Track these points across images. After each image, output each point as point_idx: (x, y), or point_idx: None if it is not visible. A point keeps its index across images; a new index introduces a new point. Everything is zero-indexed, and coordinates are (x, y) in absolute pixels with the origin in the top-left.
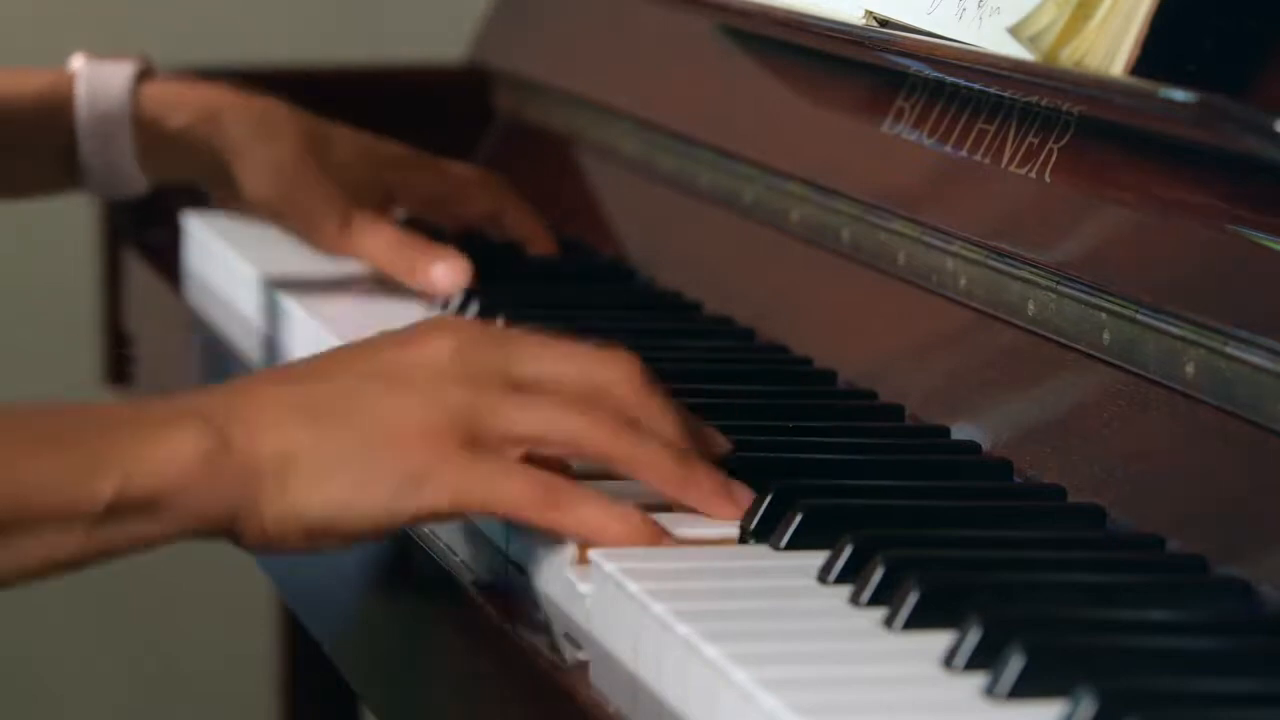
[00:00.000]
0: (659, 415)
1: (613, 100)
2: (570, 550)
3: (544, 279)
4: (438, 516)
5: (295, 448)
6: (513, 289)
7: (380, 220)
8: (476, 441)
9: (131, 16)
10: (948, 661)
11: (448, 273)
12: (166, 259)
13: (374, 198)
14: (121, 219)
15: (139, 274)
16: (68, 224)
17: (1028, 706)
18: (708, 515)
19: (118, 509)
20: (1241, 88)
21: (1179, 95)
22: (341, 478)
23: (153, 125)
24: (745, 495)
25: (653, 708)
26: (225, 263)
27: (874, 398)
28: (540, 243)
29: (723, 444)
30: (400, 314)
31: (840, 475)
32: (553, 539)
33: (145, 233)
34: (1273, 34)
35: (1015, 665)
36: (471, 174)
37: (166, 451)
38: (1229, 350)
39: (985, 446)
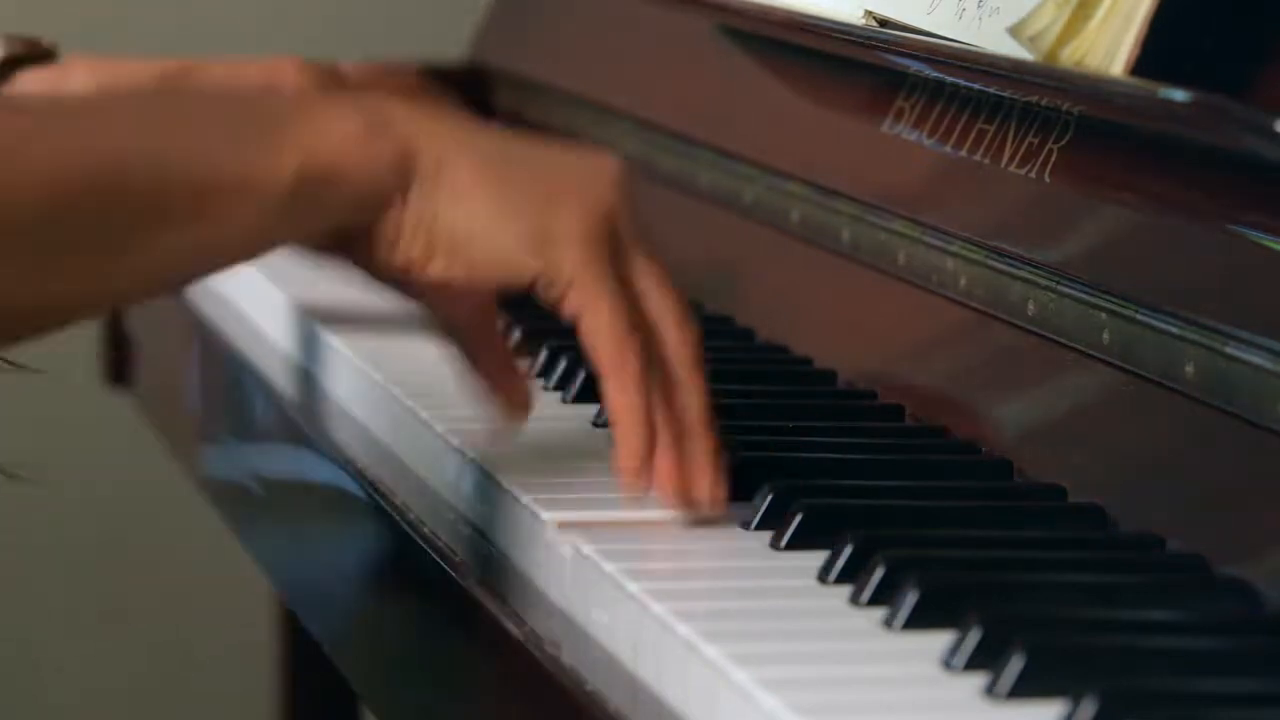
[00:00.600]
0: (689, 386)
1: (613, 100)
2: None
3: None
4: (540, 290)
5: (456, 159)
6: (511, 289)
7: None
8: (608, 255)
9: (131, 16)
10: (948, 661)
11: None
12: None
13: None
14: None
15: None
16: None
17: (1028, 706)
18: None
19: (300, 186)
20: (1241, 88)
21: (1179, 95)
22: (488, 202)
23: None
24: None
25: (652, 708)
26: None
27: (874, 398)
28: None
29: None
30: None
31: (840, 475)
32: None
33: None
34: (1273, 34)
35: (1015, 665)
36: None
37: (337, 128)
38: (1229, 350)
39: (985, 446)
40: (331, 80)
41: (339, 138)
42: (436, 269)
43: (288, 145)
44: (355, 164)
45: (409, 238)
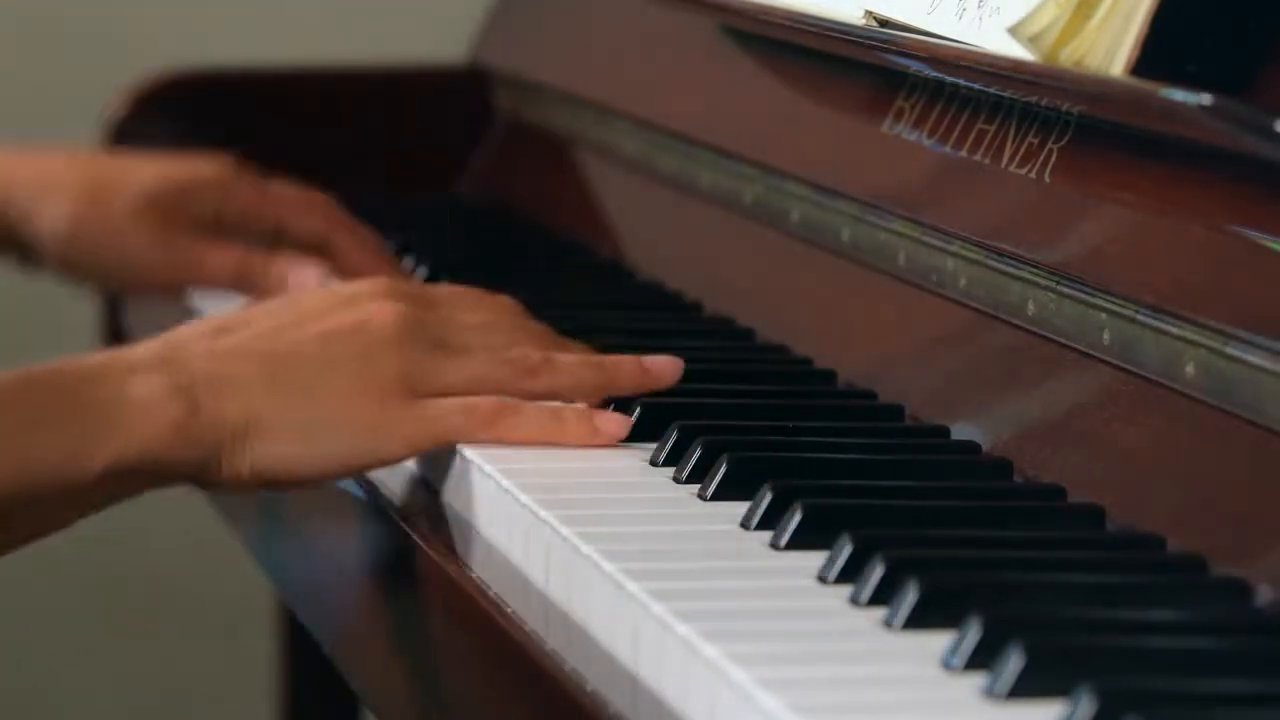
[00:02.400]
0: (567, 359)
1: (613, 100)
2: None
3: (543, 279)
4: (395, 460)
5: (258, 412)
6: (511, 289)
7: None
8: (419, 394)
9: (131, 17)
10: (948, 661)
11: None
12: None
13: (188, 224)
14: None
15: None
16: None
17: (1028, 706)
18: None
19: (107, 479)
20: (1241, 88)
21: (1179, 95)
22: (301, 436)
23: None
24: (614, 424)
25: (652, 708)
26: None
27: (874, 398)
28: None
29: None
30: None
31: (840, 475)
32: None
33: None
34: (1273, 34)
35: (1015, 665)
36: (295, 195)
37: (150, 423)
38: (1229, 350)
39: (985, 446)
40: (103, 185)
41: (150, 432)
42: (281, 490)
43: (104, 442)
44: (166, 453)
45: (238, 488)
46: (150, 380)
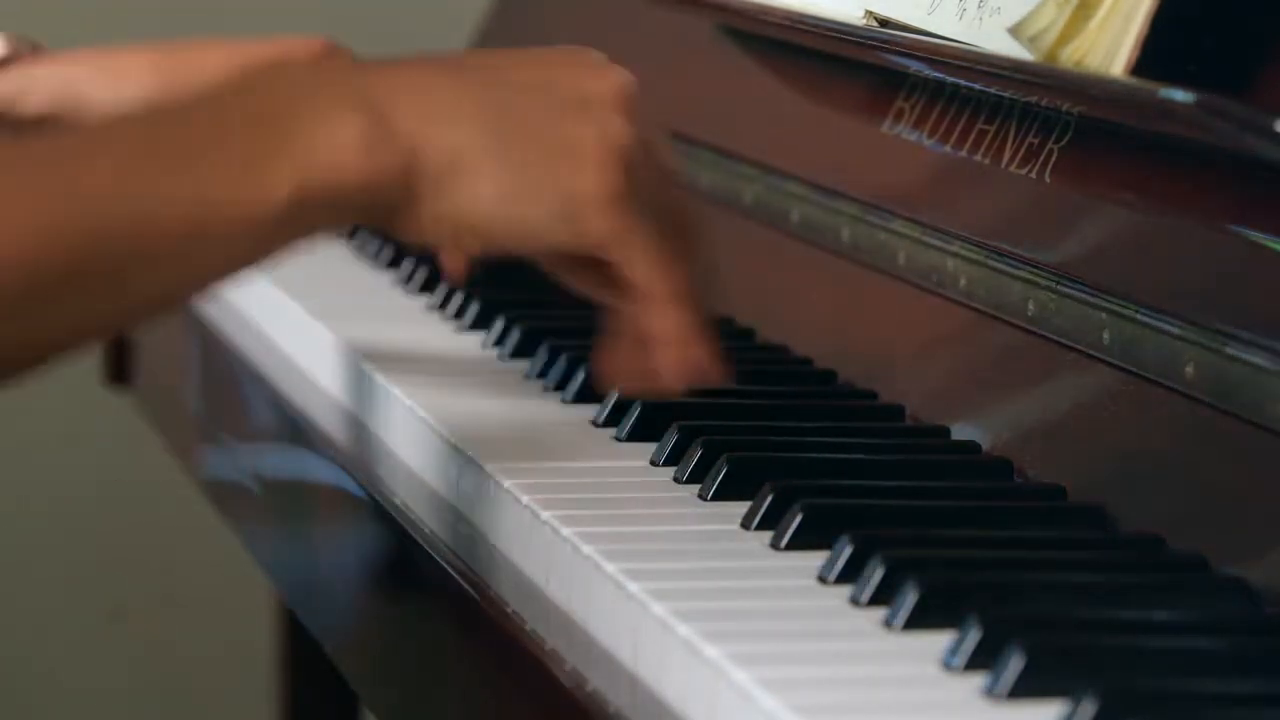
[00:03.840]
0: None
1: None
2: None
3: (543, 279)
4: (578, 247)
5: (464, 148)
6: (512, 289)
7: None
8: (632, 198)
9: (130, 15)
10: (948, 661)
11: None
12: None
13: None
14: None
15: None
16: None
17: (1028, 706)
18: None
19: (296, 207)
20: (1241, 88)
21: (1179, 95)
22: (510, 185)
23: (8, 120)
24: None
25: (653, 708)
26: None
27: (874, 398)
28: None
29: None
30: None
31: (840, 475)
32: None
33: None
34: (1273, 34)
35: (1015, 665)
36: None
37: (336, 140)
38: (1229, 350)
39: (985, 446)
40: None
41: (336, 151)
42: (469, 249)
43: (280, 167)
44: (355, 179)
45: (431, 232)
46: (336, 97)
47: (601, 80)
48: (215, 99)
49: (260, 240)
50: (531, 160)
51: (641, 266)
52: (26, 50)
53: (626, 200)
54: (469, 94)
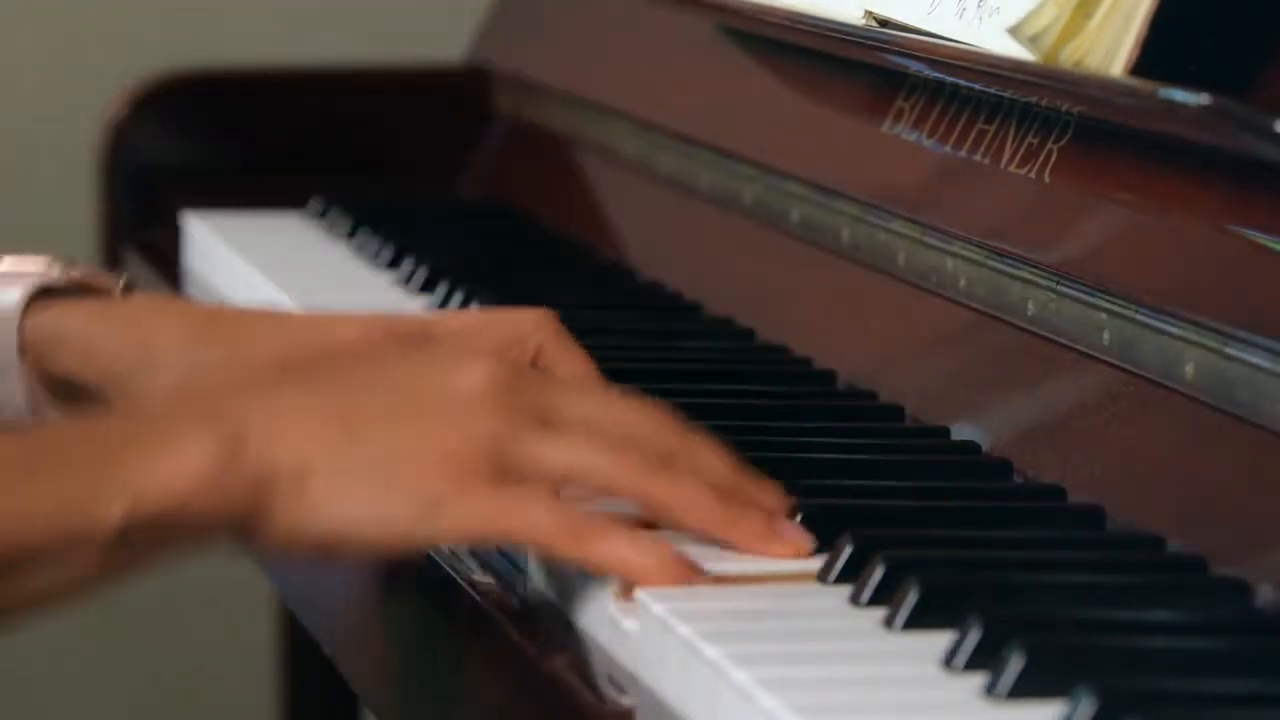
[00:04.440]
0: (699, 454)
1: (613, 100)
2: (612, 586)
3: (543, 279)
4: (445, 542)
5: (314, 458)
6: (512, 289)
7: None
8: (503, 473)
9: (131, 17)
10: (948, 661)
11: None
12: (166, 259)
13: None
14: (121, 219)
15: (139, 274)
16: (67, 223)
17: (1028, 706)
18: (757, 555)
19: (128, 531)
20: (1241, 88)
21: (1179, 95)
22: (359, 494)
23: (41, 369)
24: (796, 534)
25: (652, 707)
26: (228, 265)
27: (874, 398)
28: None
29: (773, 496)
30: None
31: (840, 475)
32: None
33: (145, 233)
34: (1273, 34)
35: (1015, 665)
36: None
37: (178, 465)
38: (1229, 350)
39: (985, 446)
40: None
41: (180, 475)
42: (334, 558)
43: (114, 490)
44: (199, 503)
45: (289, 545)
46: (181, 421)
47: (468, 375)
48: (61, 425)
49: (94, 562)
50: (380, 462)
51: (531, 534)
52: (67, 277)
53: (489, 484)
54: (323, 405)
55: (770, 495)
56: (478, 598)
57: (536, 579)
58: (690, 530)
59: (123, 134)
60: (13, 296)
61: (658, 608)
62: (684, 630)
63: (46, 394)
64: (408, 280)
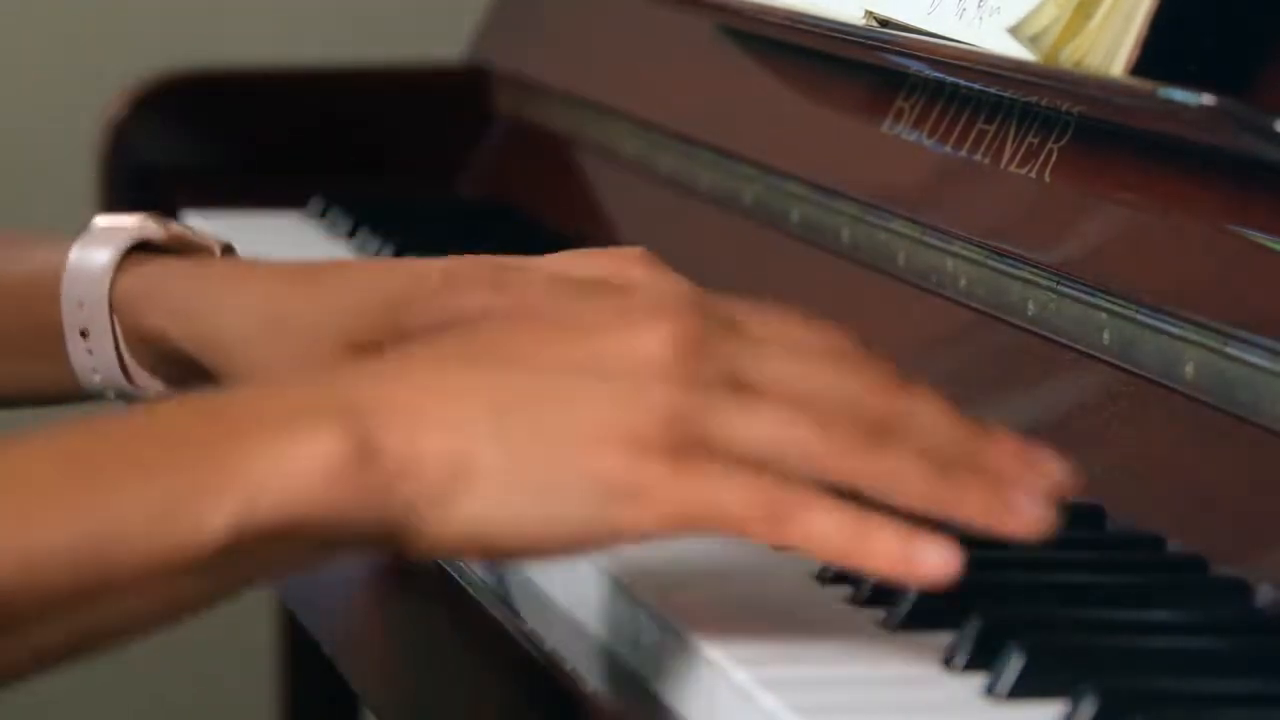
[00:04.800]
0: (918, 414)
1: (613, 100)
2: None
3: None
4: (645, 537)
5: (469, 452)
6: None
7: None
8: (690, 452)
9: (131, 17)
10: (948, 661)
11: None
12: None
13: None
14: None
15: None
16: (68, 224)
17: (1028, 706)
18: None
19: (239, 545)
20: (1241, 88)
21: (1179, 95)
22: (529, 491)
23: (131, 327)
24: (1030, 504)
25: (651, 707)
26: None
27: None
28: None
29: (1009, 451)
30: None
31: None
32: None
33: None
34: (1273, 34)
35: (1015, 665)
36: None
37: (297, 463)
38: (1229, 350)
39: None
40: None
41: (301, 475)
42: (503, 564)
43: (221, 493)
44: (326, 510)
45: (446, 553)
46: (301, 408)
47: (648, 335)
48: (155, 415)
49: (196, 583)
50: (547, 450)
51: (729, 520)
52: (163, 235)
53: (675, 466)
54: (477, 386)
55: (1005, 451)
56: (477, 596)
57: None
58: (908, 511)
59: (123, 134)
60: (105, 253)
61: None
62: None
63: (142, 356)
64: None
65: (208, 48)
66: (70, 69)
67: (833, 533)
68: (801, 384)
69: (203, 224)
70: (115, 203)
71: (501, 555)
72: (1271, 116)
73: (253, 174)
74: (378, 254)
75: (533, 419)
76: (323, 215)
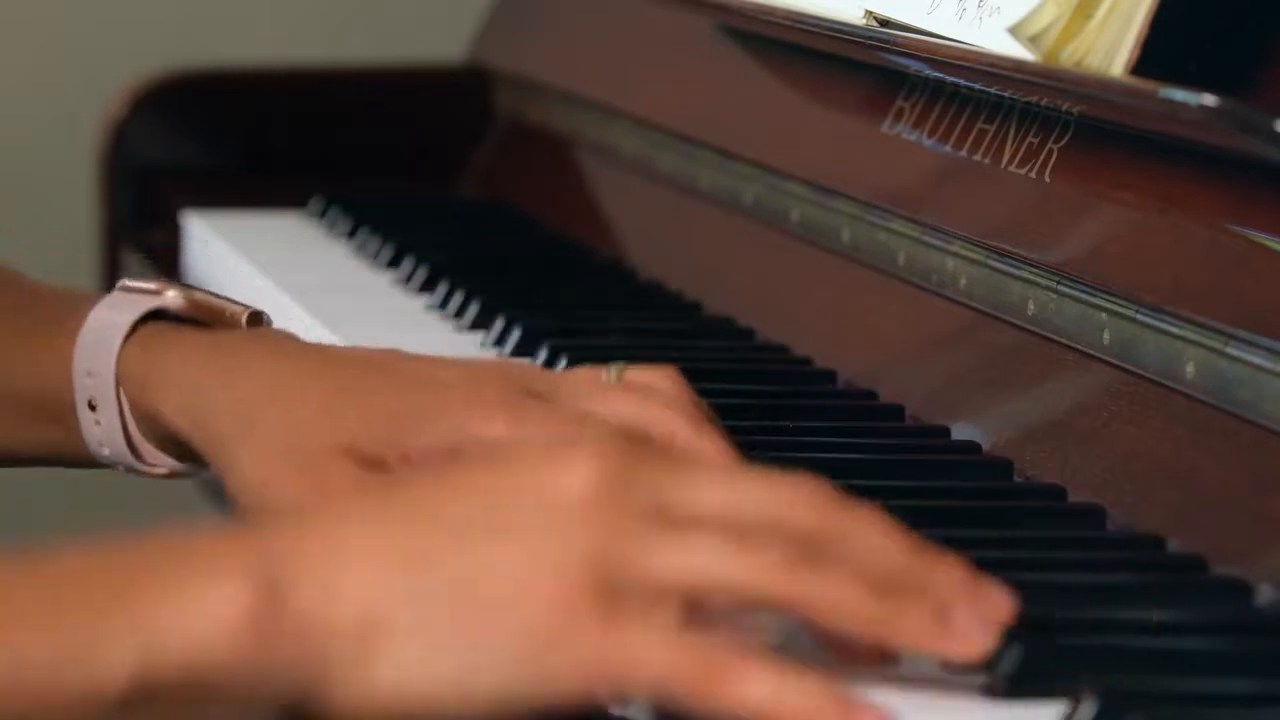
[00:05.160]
0: (854, 536)
1: (613, 100)
2: None
3: (543, 279)
4: (565, 699)
5: (383, 609)
6: (512, 289)
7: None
8: (616, 596)
9: (132, 16)
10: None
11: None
12: (166, 259)
13: None
14: (121, 219)
15: (138, 274)
16: (68, 224)
17: (1028, 706)
18: (933, 658)
19: (141, 696)
20: (1241, 88)
21: (1179, 95)
22: (443, 650)
23: (136, 401)
24: (972, 624)
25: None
26: (228, 265)
27: (874, 398)
28: None
29: (952, 575)
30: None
31: (840, 475)
32: None
33: (145, 233)
34: (1273, 34)
35: (1015, 665)
36: None
37: (201, 613)
38: (1229, 350)
39: (985, 446)
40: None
41: (202, 624)
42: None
43: (123, 639)
44: (227, 661)
45: (365, 713)
46: (210, 555)
47: (566, 471)
48: (80, 555)
49: None
50: (458, 600)
51: (654, 682)
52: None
53: (601, 617)
54: (396, 543)
55: (948, 575)
56: None
57: None
58: (844, 635)
59: (123, 134)
60: (118, 321)
61: None
62: None
63: (148, 432)
64: (408, 280)
65: (208, 48)
66: (70, 69)
67: (767, 697)
68: (732, 510)
69: (203, 224)
70: (115, 203)
71: (425, 714)
72: (1271, 116)
73: (253, 174)
74: (378, 254)
75: (444, 568)
76: (323, 215)
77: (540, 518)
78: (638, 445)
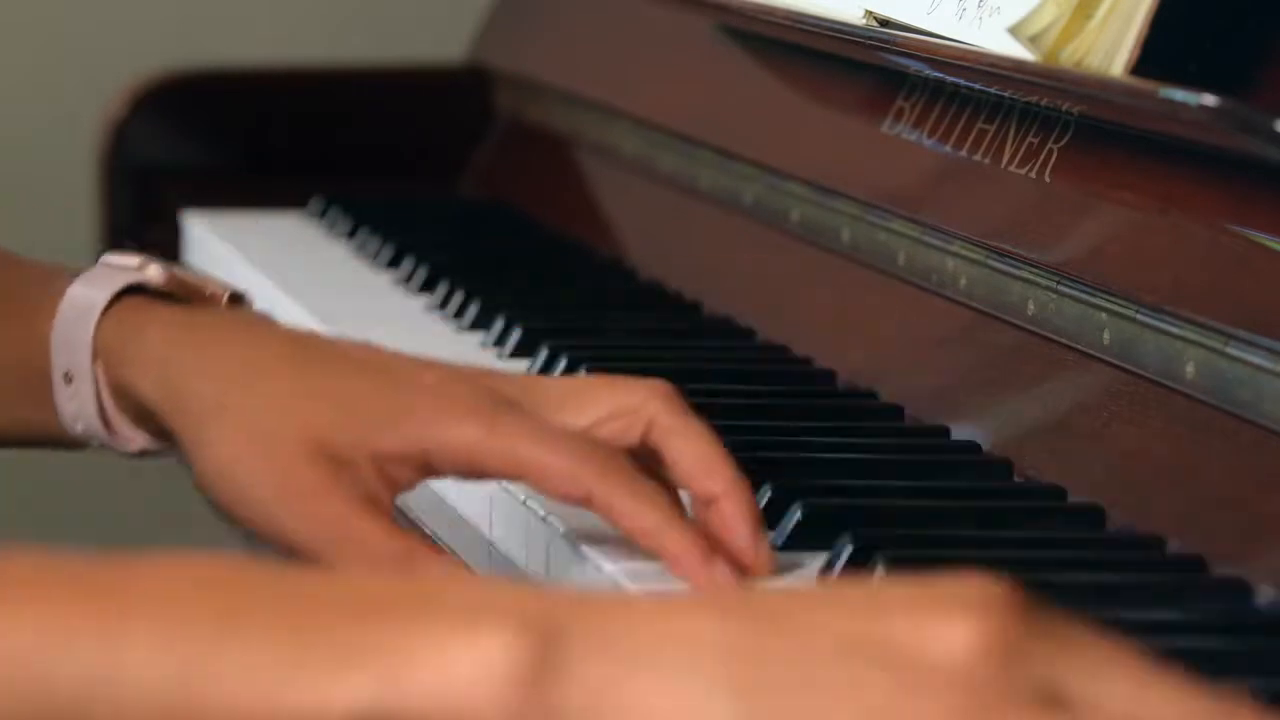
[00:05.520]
0: None
1: (613, 100)
2: None
3: (543, 279)
4: None
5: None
6: (512, 289)
7: None
8: None
9: (132, 16)
10: None
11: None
12: (166, 259)
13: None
14: (121, 218)
15: None
16: (67, 223)
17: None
18: None
19: None
20: (1241, 87)
21: (1179, 95)
22: None
23: (111, 375)
24: None
25: None
26: (228, 265)
27: (874, 398)
28: None
29: None
30: (415, 329)
31: (840, 475)
32: None
33: (145, 232)
34: (1273, 34)
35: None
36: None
37: (452, 657)
38: (1229, 350)
39: (985, 446)
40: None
41: (445, 671)
42: None
43: (353, 665)
44: (475, 715)
45: None
46: (479, 601)
47: (948, 633)
48: (319, 576)
49: None
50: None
51: None
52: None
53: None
54: (718, 640)
55: None
56: None
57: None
58: None
59: (123, 134)
60: (97, 295)
61: None
62: None
63: (124, 407)
64: (408, 280)
65: (208, 48)
66: (70, 69)
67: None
68: (1132, 706)
69: (203, 224)
70: (115, 203)
71: None
72: (1271, 116)
73: (253, 174)
74: (378, 254)
75: (788, 707)
76: (323, 215)
77: (913, 677)
78: (1033, 608)
